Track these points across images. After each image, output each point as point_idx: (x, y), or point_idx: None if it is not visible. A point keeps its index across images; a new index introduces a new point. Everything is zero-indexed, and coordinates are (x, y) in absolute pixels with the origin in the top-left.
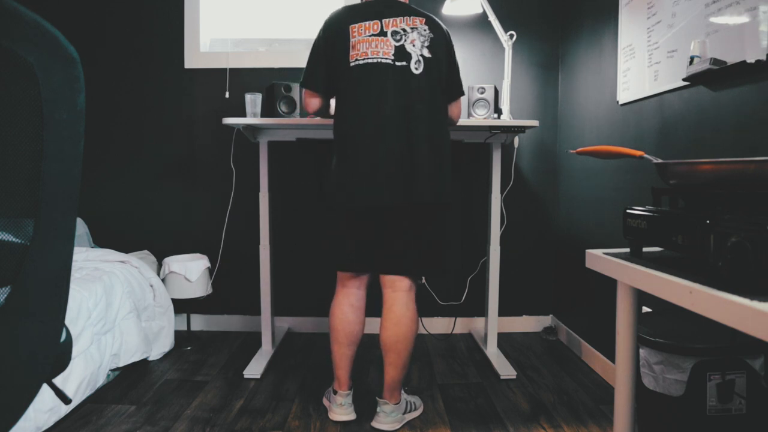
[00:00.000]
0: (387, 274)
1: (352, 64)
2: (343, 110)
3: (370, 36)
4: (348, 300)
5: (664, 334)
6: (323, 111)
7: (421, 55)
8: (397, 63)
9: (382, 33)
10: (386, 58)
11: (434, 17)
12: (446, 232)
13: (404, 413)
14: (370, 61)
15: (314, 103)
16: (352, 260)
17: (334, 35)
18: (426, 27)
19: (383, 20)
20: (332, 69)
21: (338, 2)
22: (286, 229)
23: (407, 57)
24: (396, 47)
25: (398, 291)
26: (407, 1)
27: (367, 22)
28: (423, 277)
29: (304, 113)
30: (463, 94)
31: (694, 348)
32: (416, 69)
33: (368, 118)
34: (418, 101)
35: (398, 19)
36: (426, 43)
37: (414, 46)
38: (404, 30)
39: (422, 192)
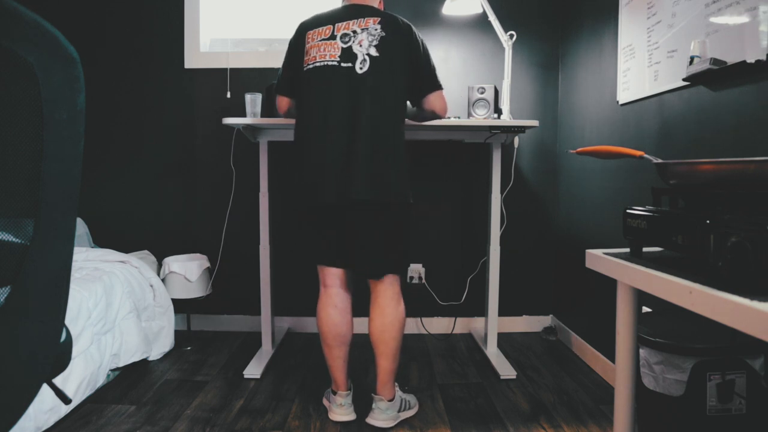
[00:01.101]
0: (357, 273)
1: (305, 69)
2: (298, 114)
3: (320, 41)
4: (331, 302)
5: (664, 334)
6: (291, 113)
7: (368, 54)
8: (343, 64)
9: (332, 37)
10: (332, 61)
11: (395, 16)
12: (403, 232)
13: (399, 411)
14: (318, 64)
15: (282, 105)
16: (320, 254)
17: (294, 43)
18: (378, 26)
19: (336, 24)
20: (295, 75)
21: (337, 1)
22: (286, 229)
23: (353, 58)
24: (343, 49)
25: (378, 285)
26: (380, 3)
27: (321, 28)
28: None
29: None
30: (439, 87)
31: (694, 348)
32: (360, 69)
33: (315, 120)
34: (363, 101)
35: (351, 22)
36: (374, 42)
37: (361, 46)
38: (354, 32)
39: (364, 190)
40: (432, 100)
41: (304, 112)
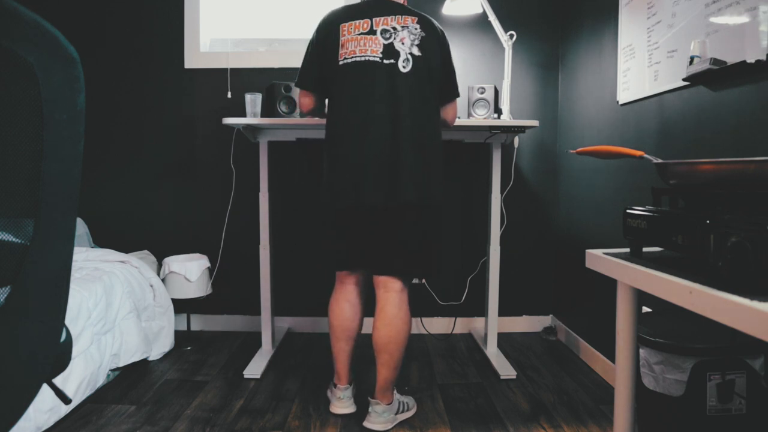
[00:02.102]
0: (378, 274)
1: (341, 63)
2: (332, 110)
3: (359, 35)
4: (345, 296)
5: (664, 334)
6: (317, 110)
7: (410, 53)
8: (385, 61)
9: (372, 31)
10: (374, 56)
11: (429, 17)
12: (437, 234)
13: (396, 413)
14: (357, 59)
15: (307, 102)
16: (345, 259)
17: (325, 35)
18: (417, 26)
19: (374, 19)
20: (324, 69)
21: (338, 2)
22: (286, 229)
23: (395, 55)
24: (384, 45)
25: (390, 291)
26: (404, 2)
27: (357, 21)
28: (422, 278)
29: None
30: (457, 95)
31: (694, 348)
32: (404, 67)
33: (355, 118)
34: (405, 100)
35: (389, 18)
36: (416, 42)
37: (403, 44)
38: (394, 28)
39: (406, 193)
40: (448, 108)
41: (337, 109)
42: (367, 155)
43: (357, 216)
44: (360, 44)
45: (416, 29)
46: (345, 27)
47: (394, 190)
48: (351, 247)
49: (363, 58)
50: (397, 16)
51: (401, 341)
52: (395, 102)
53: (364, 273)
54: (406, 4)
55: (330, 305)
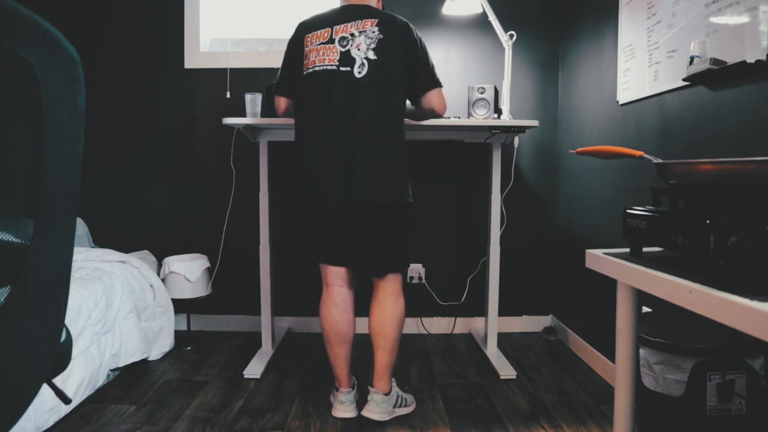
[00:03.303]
0: (358, 271)
1: (305, 73)
2: (298, 117)
3: (319, 44)
4: (332, 300)
5: (664, 334)
6: (290, 113)
7: (366, 58)
8: (342, 68)
9: (331, 40)
10: (331, 65)
11: (393, 16)
12: (402, 231)
13: (395, 407)
14: (317, 68)
15: (279, 105)
16: (321, 253)
17: (293, 46)
18: (376, 28)
19: (334, 27)
20: (293, 77)
21: (336, 1)
22: (286, 229)
23: (351, 62)
24: (341, 53)
25: (381, 281)
26: (379, 4)
27: (319, 31)
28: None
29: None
30: (438, 85)
31: (694, 348)
32: (359, 73)
33: (315, 124)
34: (361, 105)
35: (349, 25)
36: (372, 45)
37: (359, 50)
38: (352, 35)
39: (363, 194)
40: (430, 98)
41: (304, 117)
42: (328, 161)
43: (325, 217)
44: (320, 54)
45: (374, 32)
46: (308, 38)
47: (352, 192)
48: (326, 243)
49: (321, 68)
50: (357, 22)
51: (395, 323)
52: (353, 108)
53: (346, 271)
54: (380, 4)
55: (319, 311)
